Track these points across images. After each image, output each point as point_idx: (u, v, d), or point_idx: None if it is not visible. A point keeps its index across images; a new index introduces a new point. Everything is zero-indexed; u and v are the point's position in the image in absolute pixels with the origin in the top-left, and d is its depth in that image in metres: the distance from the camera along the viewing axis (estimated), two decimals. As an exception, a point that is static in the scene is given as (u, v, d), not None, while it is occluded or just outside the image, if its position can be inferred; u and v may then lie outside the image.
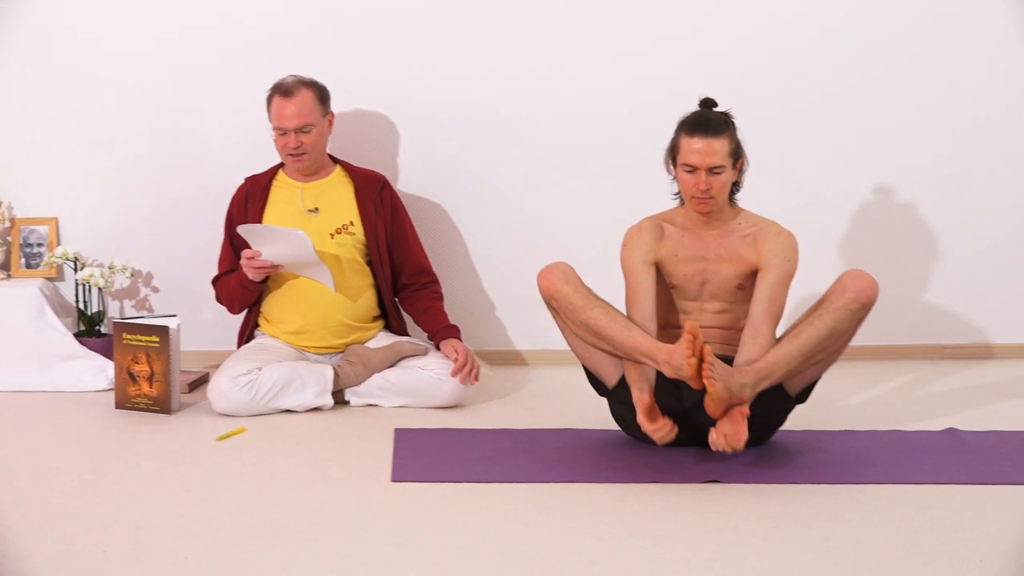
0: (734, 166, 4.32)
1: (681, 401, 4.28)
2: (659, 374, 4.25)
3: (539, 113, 5.55)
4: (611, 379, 4.39)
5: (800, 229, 4.50)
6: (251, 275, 4.89)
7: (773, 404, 4.30)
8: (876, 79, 5.59)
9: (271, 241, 4.83)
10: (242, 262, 4.89)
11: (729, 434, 4.06)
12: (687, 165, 4.28)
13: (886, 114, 5.62)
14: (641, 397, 4.21)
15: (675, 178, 4.38)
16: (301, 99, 4.96)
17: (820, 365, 4.28)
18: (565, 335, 4.42)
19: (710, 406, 4.10)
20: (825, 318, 4.21)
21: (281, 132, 4.96)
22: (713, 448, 4.09)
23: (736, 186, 4.39)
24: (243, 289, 4.97)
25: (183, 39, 5.44)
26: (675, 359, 4.08)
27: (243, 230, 4.86)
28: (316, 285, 4.95)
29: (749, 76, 5.53)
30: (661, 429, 4.15)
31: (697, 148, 4.26)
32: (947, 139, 5.64)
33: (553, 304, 4.34)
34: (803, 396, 4.36)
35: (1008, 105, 5.63)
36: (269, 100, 5.00)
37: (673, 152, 4.35)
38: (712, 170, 4.26)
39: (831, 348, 4.23)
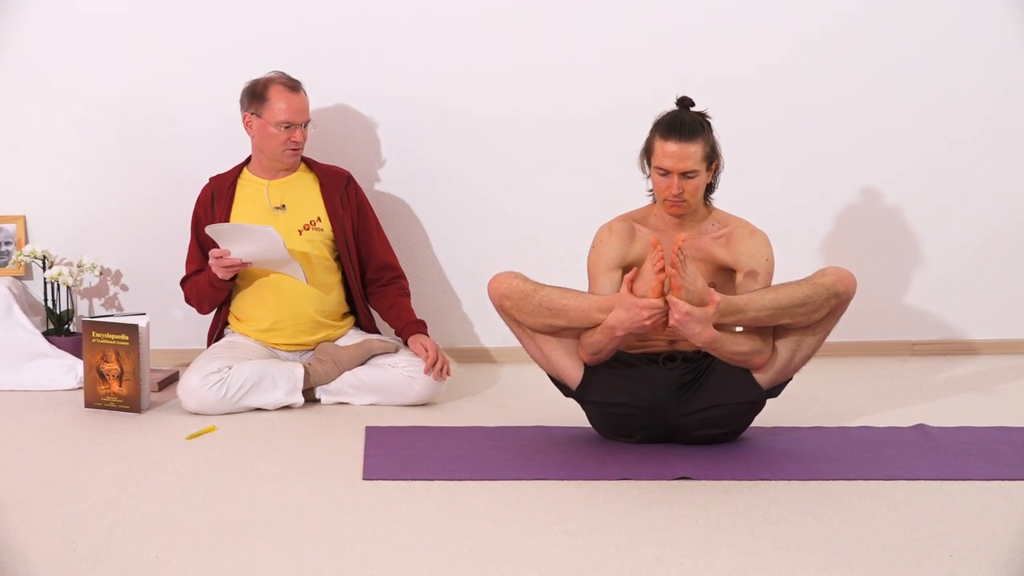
0: (708, 168, 4.30)
1: (651, 395, 4.29)
2: (616, 380, 4.27)
3: (508, 111, 5.55)
4: (574, 379, 4.36)
5: (775, 226, 4.52)
6: (220, 274, 4.87)
7: (743, 394, 4.31)
8: (852, 81, 5.60)
9: (240, 239, 4.81)
10: (211, 261, 4.87)
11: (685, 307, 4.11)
12: (660, 168, 4.27)
13: (860, 115, 5.63)
14: (616, 303, 4.16)
15: (649, 178, 4.38)
16: (303, 94, 4.99)
17: (792, 354, 4.25)
18: (523, 341, 4.38)
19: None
20: (803, 286, 4.21)
21: (286, 126, 4.95)
22: (672, 306, 4.11)
23: (711, 187, 4.39)
24: (212, 288, 4.96)
25: (152, 38, 5.42)
26: (639, 288, 4.13)
27: (211, 230, 4.84)
28: (286, 281, 4.95)
29: (726, 76, 5.53)
30: (654, 303, 4.13)
31: (671, 152, 4.24)
32: (920, 138, 5.66)
33: (506, 304, 4.32)
34: (775, 391, 4.36)
35: (979, 104, 5.65)
36: (265, 93, 4.96)
37: (647, 153, 4.34)
38: (685, 174, 4.25)
39: (801, 318, 4.19)
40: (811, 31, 5.57)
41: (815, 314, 4.21)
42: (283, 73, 5.01)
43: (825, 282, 4.21)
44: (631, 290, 4.14)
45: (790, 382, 4.39)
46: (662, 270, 4.10)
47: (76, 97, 5.44)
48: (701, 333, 4.13)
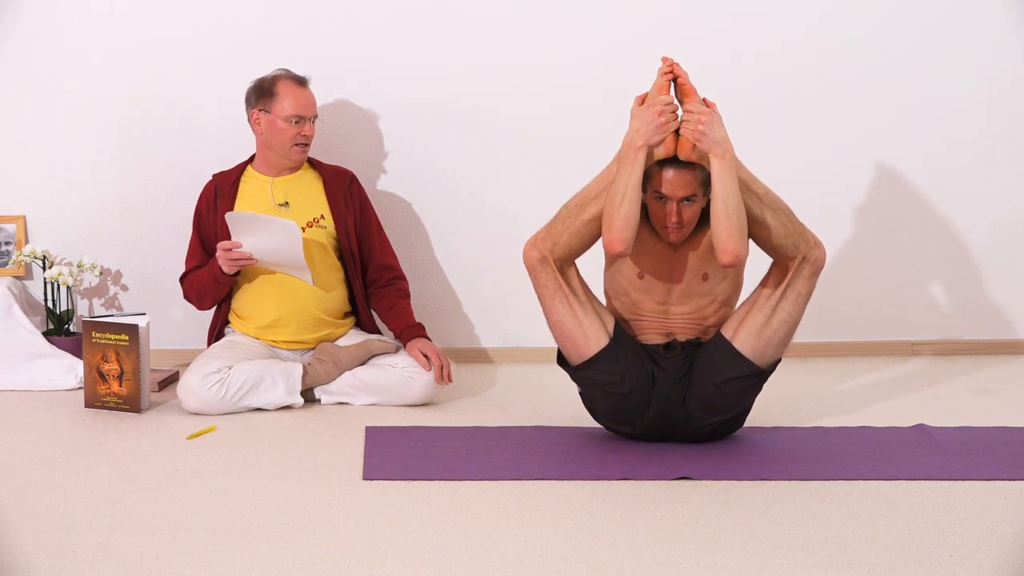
0: (706, 193, 4.23)
1: (657, 382, 4.28)
2: (634, 361, 4.24)
3: (509, 110, 5.55)
4: (596, 345, 4.26)
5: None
6: (226, 268, 4.87)
7: (732, 367, 4.26)
8: (851, 80, 5.61)
9: (256, 231, 4.79)
10: (218, 254, 4.86)
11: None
12: (657, 192, 4.22)
13: (856, 112, 5.63)
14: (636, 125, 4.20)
15: (645, 200, 4.29)
16: (310, 90, 5.02)
17: (767, 319, 4.23)
18: (555, 303, 4.26)
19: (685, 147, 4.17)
20: (790, 209, 4.25)
21: (296, 120, 4.96)
22: (684, 128, 4.14)
23: (705, 214, 4.29)
24: (215, 283, 4.95)
25: (152, 38, 5.42)
26: (650, 94, 4.19)
27: (230, 217, 4.83)
28: (289, 278, 4.94)
29: (726, 75, 5.53)
30: (662, 97, 4.19)
31: (669, 178, 4.19)
32: (919, 137, 5.66)
33: (544, 247, 4.28)
34: (766, 371, 4.32)
35: (979, 104, 5.65)
36: (274, 89, 4.98)
37: (644, 177, 4.21)
38: (685, 199, 4.21)
39: (776, 227, 4.20)
40: (806, 31, 5.57)
41: (785, 239, 4.20)
42: (289, 70, 5.03)
43: (805, 227, 4.24)
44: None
45: (780, 363, 4.37)
46: (669, 71, 4.16)
47: (76, 97, 5.44)
48: (726, 139, 4.11)
